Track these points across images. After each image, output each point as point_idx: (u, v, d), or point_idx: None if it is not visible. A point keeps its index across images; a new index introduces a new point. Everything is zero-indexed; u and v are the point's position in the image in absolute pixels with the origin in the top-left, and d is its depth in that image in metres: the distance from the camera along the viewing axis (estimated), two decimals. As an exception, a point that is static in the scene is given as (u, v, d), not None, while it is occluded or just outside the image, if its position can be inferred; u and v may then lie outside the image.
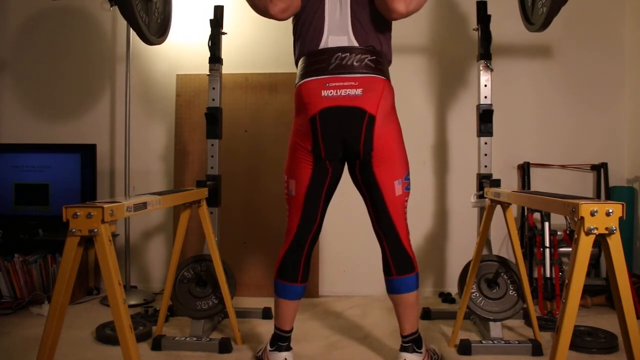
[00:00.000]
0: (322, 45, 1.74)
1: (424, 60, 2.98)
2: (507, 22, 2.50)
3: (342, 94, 1.68)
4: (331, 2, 1.76)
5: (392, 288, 1.80)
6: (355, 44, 1.73)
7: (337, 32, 1.75)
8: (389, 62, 1.82)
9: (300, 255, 1.81)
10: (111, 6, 1.88)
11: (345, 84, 1.69)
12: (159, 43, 2.16)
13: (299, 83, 1.75)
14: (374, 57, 1.72)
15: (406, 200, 1.79)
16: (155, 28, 2.11)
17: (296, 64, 1.84)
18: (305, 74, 1.74)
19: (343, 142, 1.71)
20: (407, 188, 1.79)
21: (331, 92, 1.69)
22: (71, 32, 3.15)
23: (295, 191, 1.78)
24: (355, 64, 1.70)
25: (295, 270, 1.81)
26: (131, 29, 1.85)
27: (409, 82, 2.96)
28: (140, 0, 1.92)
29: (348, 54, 1.71)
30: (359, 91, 1.68)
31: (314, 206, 1.79)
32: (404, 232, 1.79)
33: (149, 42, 2.02)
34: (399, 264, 1.77)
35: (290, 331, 1.86)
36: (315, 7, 1.77)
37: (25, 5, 3.17)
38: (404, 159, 1.79)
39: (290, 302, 1.83)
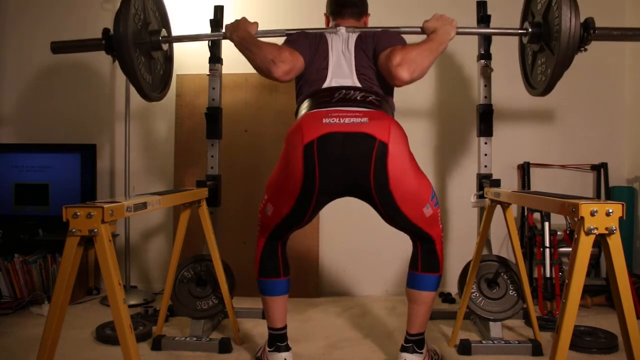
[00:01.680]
0: (325, 86, 1.74)
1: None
2: (507, 23, 2.50)
3: (346, 121, 1.57)
4: (335, 61, 1.78)
5: (414, 283, 1.77)
6: (359, 85, 1.73)
7: (341, 75, 1.75)
8: (393, 112, 1.80)
9: (276, 252, 1.82)
10: (113, 62, 1.91)
11: (349, 114, 1.59)
12: (159, 99, 2.17)
13: (299, 117, 1.71)
14: (378, 98, 1.71)
15: (439, 213, 1.76)
16: (156, 84, 2.11)
17: (296, 115, 1.81)
18: (307, 108, 1.71)
19: (345, 177, 1.57)
20: (437, 204, 1.74)
21: (333, 120, 1.57)
22: (71, 32, 3.14)
23: (271, 214, 1.75)
24: (358, 98, 1.67)
25: (275, 266, 1.81)
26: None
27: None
28: (142, 58, 1.94)
29: (352, 91, 1.70)
30: (364, 119, 1.57)
31: (286, 230, 1.77)
32: (439, 239, 1.77)
33: (149, 99, 2.03)
34: (427, 263, 1.76)
35: (284, 328, 1.84)
36: (318, 65, 1.78)
37: (25, 6, 3.16)
38: (425, 183, 1.70)
39: (277, 299, 1.82)
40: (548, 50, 1.86)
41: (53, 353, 1.32)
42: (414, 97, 2.92)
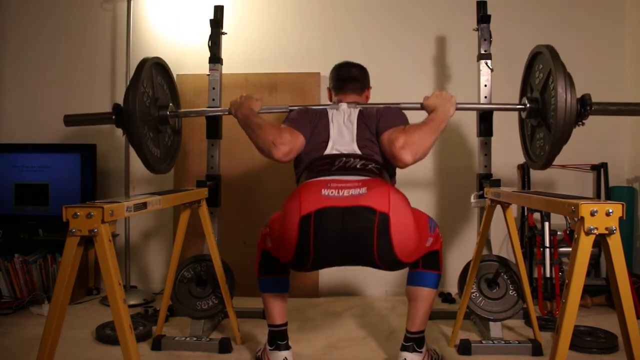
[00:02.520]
0: (326, 153, 1.77)
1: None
2: (507, 24, 2.51)
3: (345, 194, 1.53)
4: (336, 131, 1.81)
5: (415, 280, 1.79)
6: (359, 152, 1.75)
7: (342, 144, 1.78)
8: (393, 182, 1.82)
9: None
10: (123, 134, 1.95)
11: (348, 185, 1.57)
12: (166, 172, 2.19)
13: (299, 185, 1.72)
14: (378, 167, 1.73)
15: (438, 230, 1.80)
16: (163, 157, 2.14)
17: (297, 183, 1.82)
18: (306, 177, 1.73)
19: (344, 249, 1.52)
20: (434, 227, 1.78)
21: (332, 192, 1.55)
22: (71, 33, 3.15)
23: (270, 248, 1.78)
24: (358, 167, 1.69)
25: (275, 264, 1.82)
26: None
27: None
28: (150, 133, 1.98)
29: (352, 159, 1.72)
30: (363, 190, 1.54)
31: (295, 268, 1.75)
32: (440, 246, 1.82)
33: (155, 172, 2.06)
34: (428, 261, 1.78)
35: (284, 325, 1.85)
36: (319, 139, 1.81)
37: (26, 6, 3.16)
38: (423, 225, 1.71)
39: (277, 295, 1.84)
40: (545, 127, 1.87)
41: (53, 353, 1.32)
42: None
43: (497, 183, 2.11)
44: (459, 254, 2.84)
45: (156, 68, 2.06)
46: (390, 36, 3.00)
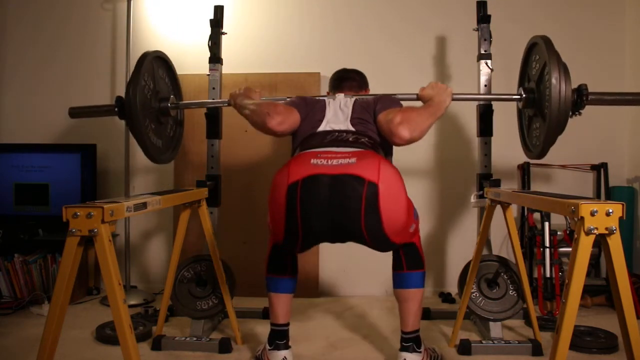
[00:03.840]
0: (319, 130, 1.78)
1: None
2: (507, 24, 2.51)
3: (334, 163, 1.52)
4: (332, 114, 1.82)
5: (401, 282, 1.79)
6: (353, 129, 1.76)
7: (336, 122, 1.80)
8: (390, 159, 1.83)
9: (285, 253, 1.85)
10: (127, 125, 2.01)
11: (338, 155, 1.55)
12: (168, 161, 2.24)
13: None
14: (372, 141, 1.73)
15: (419, 222, 1.82)
16: (165, 147, 2.18)
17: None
18: (299, 150, 1.74)
19: (333, 219, 1.49)
20: (417, 217, 1.80)
21: (321, 161, 1.53)
22: (71, 33, 3.15)
23: (272, 235, 1.79)
24: (350, 139, 1.69)
25: (284, 264, 1.84)
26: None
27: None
28: (152, 124, 2.02)
29: (345, 134, 1.73)
30: (353, 159, 1.52)
31: (290, 247, 1.76)
32: (419, 239, 1.83)
33: (156, 162, 2.11)
34: (410, 260, 1.78)
35: (286, 325, 1.85)
36: (313, 118, 1.83)
37: (26, 6, 3.17)
38: (411, 208, 1.71)
39: (282, 295, 1.84)
40: (541, 116, 1.88)
41: (53, 353, 1.32)
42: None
43: (497, 183, 2.11)
44: (459, 254, 2.84)
45: (157, 62, 2.11)
46: (390, 36, 3.00)
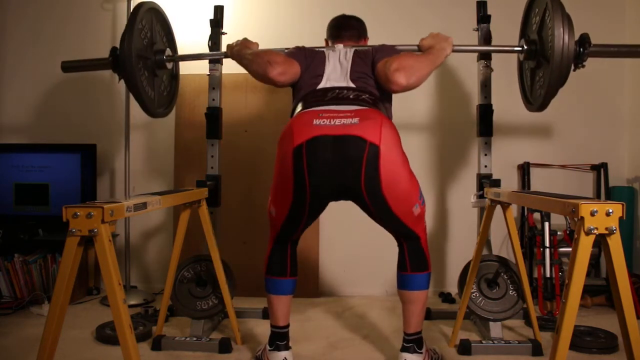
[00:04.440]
0: (320, 87, 1.76)
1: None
2: (507, 24, 2.50)
3: (337, 123, 1.54)
4: (331, 68, 1.80)
5: (405, 284, 1.78)
6: (353, 85, 1.74)
7: (336, 79, 1.77)
8: (390, 117, 1.81)
9: (285, 252, 1.83)
10: (119, 80, 1.97)
11: (341, 114, 1.57)
12: (163, 116, 2.22)
13: (292, 116, 1.73)
14: (372, 97, 1.71)
15: (424, 211, 1.77)
16: (161, 101, 2.16)
17: (291, 116, 1.82)
18: (300, 108, 1.73)
19: (337, 180, 1.55)
20: (423, 202, 1.76)
21: (324, 121, 1.55)
22: (71, 33, 3.15)
23: (276, 215, 1.75)
24: (351, 97, 1.68)
25: (284, 265, 1.82)
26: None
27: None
28: (146, 74, 2.00)
29: (345, 91, 1.71)
30: (355, 120, 1.54)
31: (292, 229, 1.77)
32: (424, 236, 1.79)
33: (152, 115, 2.09)
34: (415, 262, 1.76)
35: (286, 327, 1.85)
36: (313, 72, 1.81)
37: (25, 6, 3.17)
38: (416, 185, 1.70)
39: (281, 297, 1.83)
40: (543, 68, 1.87)
41: (53, 353, 1.32)
42: (414, 103, 2.92)
43: (497, 183, 2.11)
44: (459, 254, 2.84)
45: (152, 13, 2.09)
46: (390, 36, 2.98)
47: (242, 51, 1.91)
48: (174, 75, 2.32)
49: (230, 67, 2.51)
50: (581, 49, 1.76)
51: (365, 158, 1.50)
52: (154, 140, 3.09)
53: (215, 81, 2.31)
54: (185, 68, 2.99)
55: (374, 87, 1.76)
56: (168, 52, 2.13)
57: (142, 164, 3.07)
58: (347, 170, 1.52)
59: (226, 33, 2.38)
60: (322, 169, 1.53)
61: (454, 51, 1.86)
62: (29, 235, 2.82)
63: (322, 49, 1.92)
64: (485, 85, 2.26)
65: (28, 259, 2.74)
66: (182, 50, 3.02)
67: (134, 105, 2.96)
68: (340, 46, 1.91)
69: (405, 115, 2.84)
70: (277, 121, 2.89)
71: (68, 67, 2.09)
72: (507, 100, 2.47)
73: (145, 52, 1.99)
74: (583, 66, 1.78)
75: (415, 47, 1.92)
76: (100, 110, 3.13)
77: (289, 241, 1.84)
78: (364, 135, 1.51)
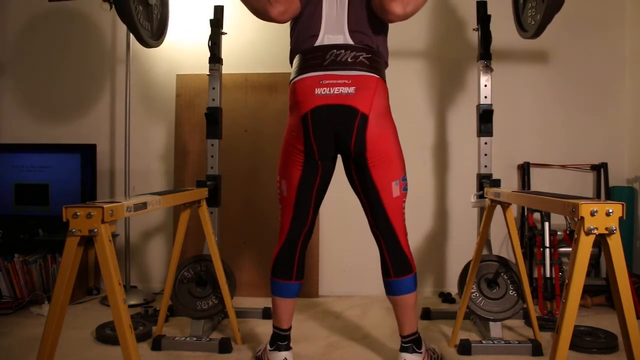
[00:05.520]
0: (317, 44, 1.75)
1: (423, 63, 2.98)
2: (507, 24, 2.50)
3: (335, 92, 1.68)
4: (329, 2, 1.78)
5: (391, 290, 1.80)
6: (351, 42, 1.74)
7: (333, 31, 1.76)
8: (386, 63, 1.82)
9: (293, 254, 1.82)
10: (110, 9, 1.92)
11: (339, 81, 1.69)
12: (157, 46, 2.19)
13: (294, 80, 1.76)
14: (369, 55, 1.73)
15: (404, 201, 1.78)
16: (153, 31, 2.13)
17: (291, 62, 1.86)
18: (300, 70, 1.75)
19: (335, 141, 1.71)
20: (405, 189, 1.77)
21: (324, 90, 1.69)
22: (71, 33, 3.15)
23: (287, 191, 1.79)
24: (349, 60, 1.70)
25: (290, 268, 1.82)
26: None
27: (409, 83, 2.97)
28: (139, 4, 1.95)
29: (343, 51, 1.72)
30: (351, 89, 1.67)
31: (305, 206, 1.79)
32: (402, 233, 1.78)
33: (147, 45, 2.06)
34: (397, 266, 1.77)
35: (289, 330, 1.86)
36: (313, 8, 1.79)
37: (25, 7, 3.17)
38: (400, 160, 1.77)
39: (286, 300, 1.83)
40: None
41: (53, 353, 1.32)
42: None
43: (497, 183, 2.11)
44: (459, 254, 2.84)
45: None
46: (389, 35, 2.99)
47: None
48: (164, 2, 2.23)
49: (230, 67, 2.52)
50: None
51: (356, 125, 1.67)
52: (154, 140, 3.09)
53: (215, 81, 2.31)
54: (185, 68, 3.00)
55: (371, 39, 1.76)
56: None
57: (142, 164, 3.07)
58: (342, 134, 1.69)
59: (226, 33, 2.38)
60: (324, 131, 1.70)
61: None
62: (29, 235, 2.82)
63: None
64: (485, 85, 2.26)
65: (28, 259, 2.74)
66: (182, 50, 3.04)
67: (133, 100, 2.98)
68: None
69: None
70: (277, 121, 2.89)
71: None
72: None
73: None
74: None
75: None
76: (100, 110, 3.13)
77: (301, 236, 1.82)
78: (357, 105, 1.67)
